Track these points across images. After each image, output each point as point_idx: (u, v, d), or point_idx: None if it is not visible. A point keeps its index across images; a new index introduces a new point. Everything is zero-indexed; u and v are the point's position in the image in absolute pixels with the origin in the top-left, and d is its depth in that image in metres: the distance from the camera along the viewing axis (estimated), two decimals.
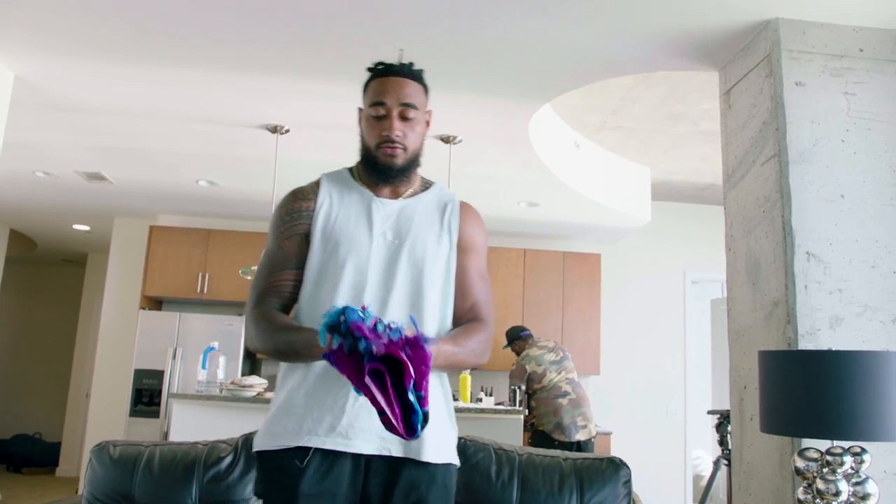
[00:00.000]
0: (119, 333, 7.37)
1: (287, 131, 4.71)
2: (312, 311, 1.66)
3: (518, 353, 5.66)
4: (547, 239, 7.45)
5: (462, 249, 1.76)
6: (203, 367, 4.63)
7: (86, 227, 8.28)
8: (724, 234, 3.11)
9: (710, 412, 4.24)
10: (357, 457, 1.58)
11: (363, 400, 1.54)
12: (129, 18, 3.32)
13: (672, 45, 3.20)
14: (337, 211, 1.72)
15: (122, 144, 5.21)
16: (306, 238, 1.72)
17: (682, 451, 7.05)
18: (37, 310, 10.48)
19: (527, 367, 5.44)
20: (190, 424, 4.23)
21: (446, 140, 4.71)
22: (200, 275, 6.88)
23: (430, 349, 1.36)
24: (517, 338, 5.71)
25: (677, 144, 5.72)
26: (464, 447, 2.57)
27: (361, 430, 1.57)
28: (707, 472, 6.87)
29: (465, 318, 1.72)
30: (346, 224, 1.70)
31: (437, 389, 1.68)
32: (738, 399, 2.93)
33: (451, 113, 4.34)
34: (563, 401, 5.29)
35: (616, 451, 6.71)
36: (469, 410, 4.40)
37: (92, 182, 6.22)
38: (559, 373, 5.41)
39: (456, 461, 1.70)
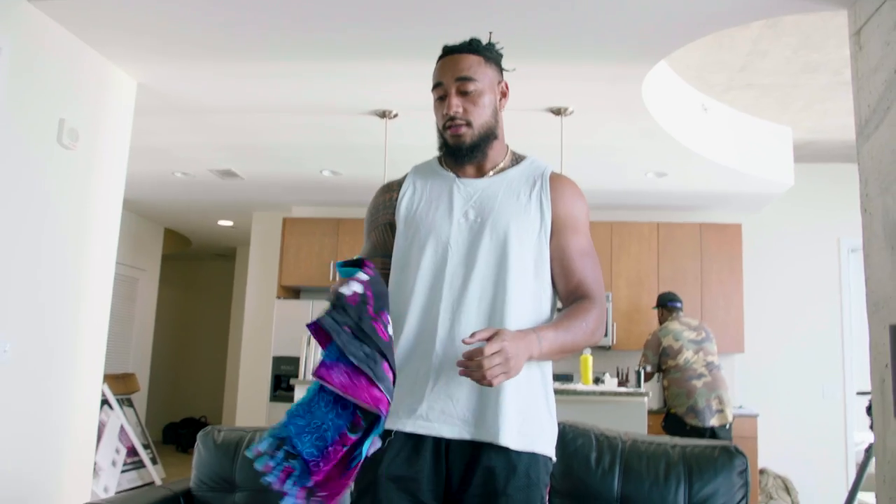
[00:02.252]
0: (260, 323, 7.77)
1: (395, 116, 4.72)
2: (398, 296, 1.66)
3: (661, 323, 5.43)
4: (681, 210, 7.10)
5: (558, 227, 1.68)
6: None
7: (229, 223, 8.79)
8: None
9: (859, 393, 3.82)
10: (438, 441, 1.56)
11: (442, 383, 1.55)
12: (233, 15, 3.43)
13: None
14: (420, 197, 1.73)
15: (243, 141, 5.44)
16: (392, 228, 1.75)
17: (841, 435, 6.46)
18: (195, 303, 11.30)
19: (662, 339, 5.19)
20: None
21: (557, 112, 4.55)
22: (332, 263, 7.09)
23: (522, 341, 1.42)
24: (664, 305, 5.48)
25: (819, 98, 5.20)
26: (563, 432, 2.44)
27: (442, 412, 1.56)
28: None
29: (571, 298, 1.67)
30: (428, 208, 1.71)
31: (536, 376, 1.62)
32: (879, 380, 2.59)
33: (558, 83, 4.20)
34: (698, 382, 4.99)
35: (763, 435, 6.26)
36: (588, 393, 4.22)
37: (225, 179, 6.56)
38: (696, 353, 5.10)
39: (548, 453, 1.62)
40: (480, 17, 3.25)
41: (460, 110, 1.66)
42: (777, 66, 4.68)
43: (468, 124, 1.67)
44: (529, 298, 1.62)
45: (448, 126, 1.67)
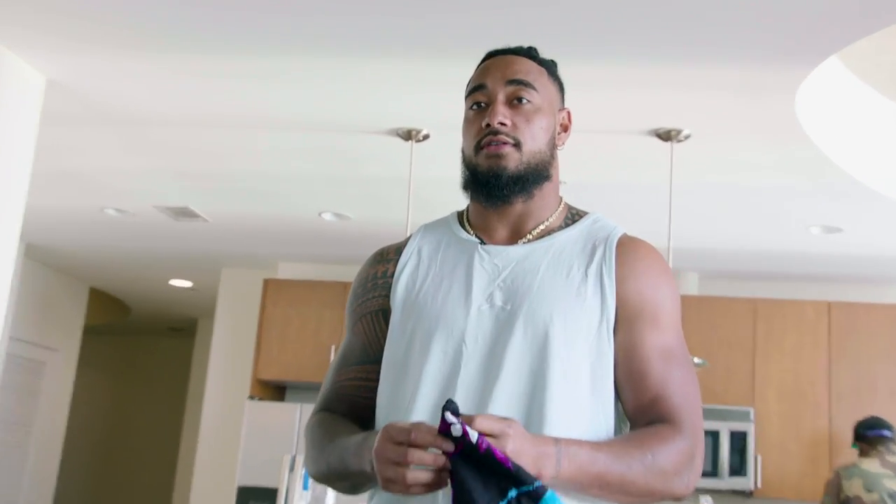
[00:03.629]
0: (222, 434, 7.82)
1: (425, 137, 4.81)
2: (391, 417, 1.67)
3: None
4: (864, 284, 7.06)
5: (627, 315, 1.70)
6: (305, 488, 4.77)
7: (186, 283, 8.97)
8: None
9: None
10: None
11: None
12: None
13: None
14: (425, 273, 1.78)
15: (206, 167, 5.61)
16: (386, 316, 1.79)
17: None
18: (131, 400, 11.44)
19: (846, 484, 5.11)
20: None
21: (665, 136, 4.59)
22: (334, 348, 7.14)
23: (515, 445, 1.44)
24: (862, 437, 5.38)
25: None
26: None
27: None
28: None
29: (643, 421, 1.67)
30: (436, 290, 1.74)
31: None
32: None
33: (666, 95, 4.25)
34: None
35: None
36: None
37: (181, 221, 6.74)
38: None
39: None
40: (547, 2, 3.30)
41: (508, 122, 1.71)
42: None
43: (516, 144, 1.71)
44: (583, 425, 1.63)
45: (484, 144, 1.72)
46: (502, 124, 1.70)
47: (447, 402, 1.43)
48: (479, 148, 1.72)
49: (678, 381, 1.68)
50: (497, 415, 1.47)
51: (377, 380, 1.76)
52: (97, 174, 5.86)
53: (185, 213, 6.58)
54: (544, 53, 1.83)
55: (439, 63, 3.98)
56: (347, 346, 1.85)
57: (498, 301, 1.69)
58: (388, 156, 5.10)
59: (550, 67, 1.80)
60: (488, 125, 1.71)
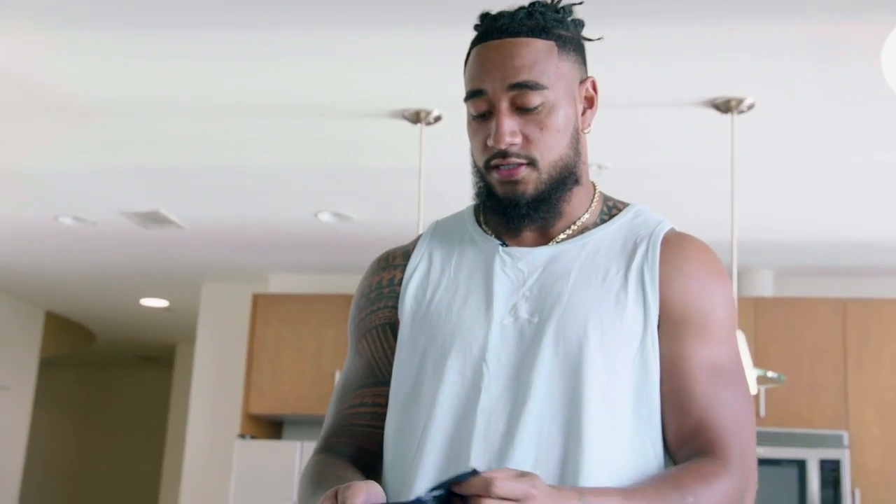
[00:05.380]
0: (210, 479, 7.86)
1: (437, 119, 4.84)
2: (400, 454, 1.71)
3: None
4: None
5: (671, 323, 1.70)
6: None
7: (162, 303, 9.02)
8: None
9: None
10: None
11: None
12: None
13: None
14: (437, 280, 1.80)
15: (180, 163, 5.65)
16: (394, 330, 1.80)
17: None
18: (99, 442, 11.47)
19: None
20: None
21: (725, 107, 4.61)
22: (338, 373, 7.17)
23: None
24: None
25: None
26: None
27: None
28: None
29: (685, 451, 1.68)
30: (451, 300, 1.76)
31: None
32: None
33: (724, 61, 4.27)
34: None
35: None
36: None
37: (151, 228, 6.79)
38: None
39: None
40: None
41: (518, 140, 1.70)
42: None
43: (531, 163, 1.71)
44: (627, 458, 1.65)
45: (494, 165, 1.72)
46: (511, 145, 1.69)
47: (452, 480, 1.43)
48: (489, 168, 1.73)
49: (728, 405, 1.67)
50: (515, 469, 1.46)
51: (385, 401, 1.78)
52: (49, 176, 5.90)
53: (155, 220, 6.61)
54: (575, 14, 1.79)
55: (451, 32, 3.95)
56: (351, 368, 1.85)
57: (523, 313, 1.70)
58: (394, 143, 5.15)
59: (562, 36, 1.74)
60: (493, 145, 1.70)
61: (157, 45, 4.25)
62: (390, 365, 1.78)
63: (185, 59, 4.40)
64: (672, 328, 1.69)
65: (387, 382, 1.78)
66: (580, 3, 1.80)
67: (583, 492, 1.51)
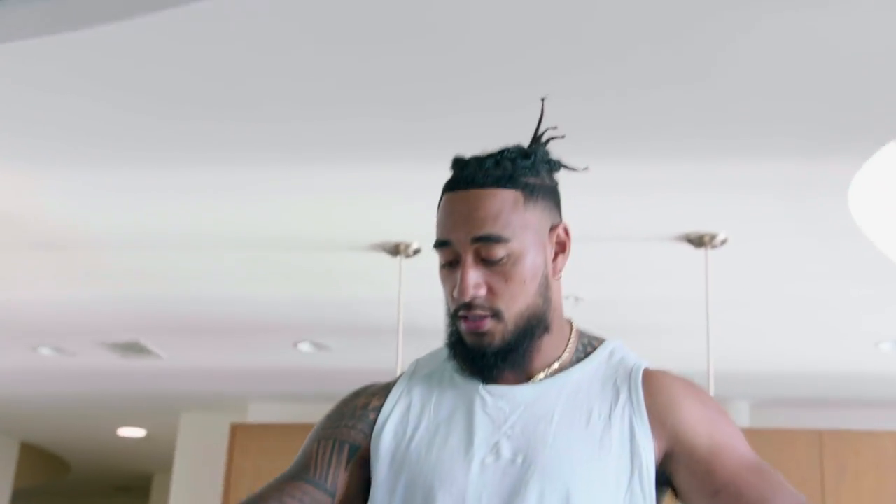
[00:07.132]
0: None
1: (416, 252, 4.90)
2: None
3: None
4: None
5: (684, 447, 1.70)
6: None
7: (139, 432, 8.95)
8: None
9: None
10: None
11: None
12: (131, 103, 3.65)
13: None
14: (417, 419, 1.78)
15: (160, 293, 5.69)
16: (359, 458, 1.77)
17: None
18: None
19: None
20: None
21: (699, 242, 4.69)
22: None
23: None
24: None
25: None
26: None
27: None
28: None
29: None
30: (430, 440, 1.74)
31: None
32: None
33: (697, 198, 4.36)
34: None
35: None
36: None
37: (131, 359, 6.80)
38: None
39: None
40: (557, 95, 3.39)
41: (482, 293, 1.70)
42: None
43: (495, 315, 1.71)
44: None
45: (461, 315, 1.72)
46: (475, 298, 1.69)
47: None
48: (457, 317, 1.73)
49: (781, 492, 1.65)
50: None
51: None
52: (27, 307, 5.92)
53: (134, 350, 6.63)
54: (556, 153, 1.81)
55: (431, 168, 4.01)
56: (299, 456, 1.80)
57: (506, 453, 1.68)
58: (374, 275, 5.18)
59: (529, 185, 1.74)
60: (460, 299, 1.70)
61: (141, 181, 4.31)
62: (327, 477, 1.73)
63: (170, 195, 4.46)
64: (688, 451, 1.69)
65: (316, 485, 1.73)
66: (562, 138, 1.81)
67: None
